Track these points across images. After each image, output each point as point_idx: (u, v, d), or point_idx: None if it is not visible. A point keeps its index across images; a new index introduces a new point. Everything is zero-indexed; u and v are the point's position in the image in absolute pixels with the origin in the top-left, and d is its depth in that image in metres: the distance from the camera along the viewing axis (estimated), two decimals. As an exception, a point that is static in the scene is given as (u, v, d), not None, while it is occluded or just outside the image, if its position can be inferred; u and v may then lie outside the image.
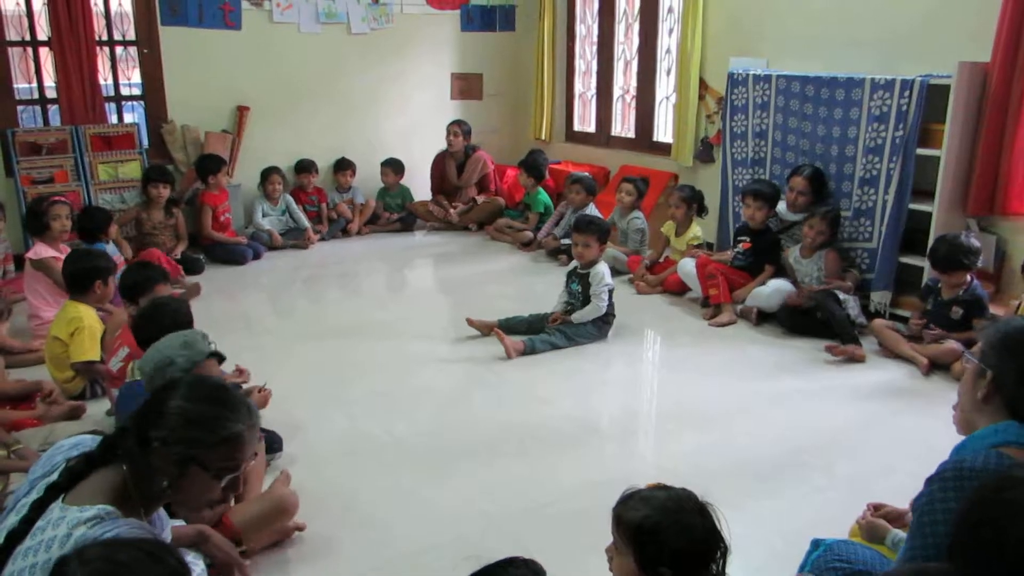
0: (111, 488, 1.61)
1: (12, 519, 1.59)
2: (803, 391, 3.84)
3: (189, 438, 1.65)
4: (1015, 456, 1.54)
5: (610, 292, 4.47)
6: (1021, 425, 1.60)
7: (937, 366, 3.96)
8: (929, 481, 1.58)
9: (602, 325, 4.47)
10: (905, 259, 4.53)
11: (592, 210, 6.06)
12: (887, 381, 3.93)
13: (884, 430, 3.41)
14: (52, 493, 1.58)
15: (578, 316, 4.42)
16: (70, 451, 1.70)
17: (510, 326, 4.45)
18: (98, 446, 1.66)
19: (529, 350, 4.25)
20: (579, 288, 4.47)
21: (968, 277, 3.99)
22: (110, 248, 5.01)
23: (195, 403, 1.69)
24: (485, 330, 4.47)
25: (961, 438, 1.76)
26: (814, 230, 4.59)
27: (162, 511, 1.81)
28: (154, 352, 2.49)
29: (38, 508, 1.56)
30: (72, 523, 1.52)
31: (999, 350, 1.68)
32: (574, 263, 4.57)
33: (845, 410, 3.63)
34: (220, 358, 2.54)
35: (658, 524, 1.63)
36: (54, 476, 1.62)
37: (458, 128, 7.07)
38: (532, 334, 4.39)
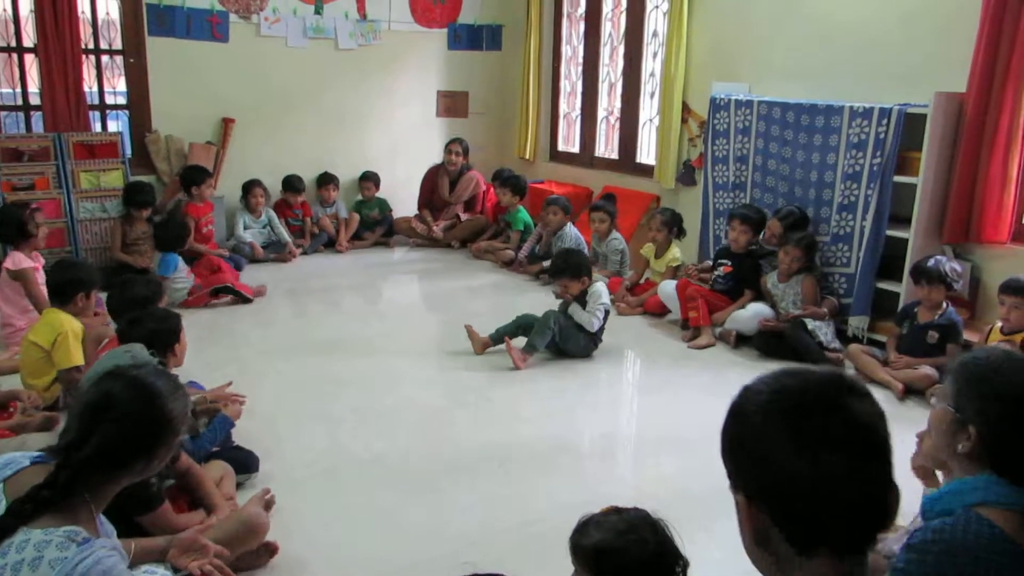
0: (67, 508, 1.61)
1: None
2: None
3: (172, 432, 1.74)
4: (995, 520, 1.45)
5: (606, 313, 4.49)
6: (1000, 481, 1.52)
7: (912, 391, 4.02)
8: (909, 548, 1.47)
9: (589, 343, 4.50)
10: (882, 284, 4.59)
11: (570, 230, 6.12)
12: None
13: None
14: (12, 522, 1.55)
15: (576, 311, 4.46)
16: (3, 471, 1.66)
17: (501, 335, 4.48)
18: (53, 488, 1.60)
19: (530, 350, 4.33)
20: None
21: (944, 303, 4.05)
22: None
23: (177, 400, 1.78)
24: (479, 348, 4.48)
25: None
26: (789, 256, 4.64)
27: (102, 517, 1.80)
28: (98, 364, 2.47)
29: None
30: (41, 546, 1.52)
31: (977, 399, 1.58)
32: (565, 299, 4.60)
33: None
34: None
35: (611, 545, 1.66)
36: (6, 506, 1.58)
37: (459, 147, 7.10)
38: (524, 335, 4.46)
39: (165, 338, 2.98)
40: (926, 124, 4.26)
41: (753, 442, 1.15)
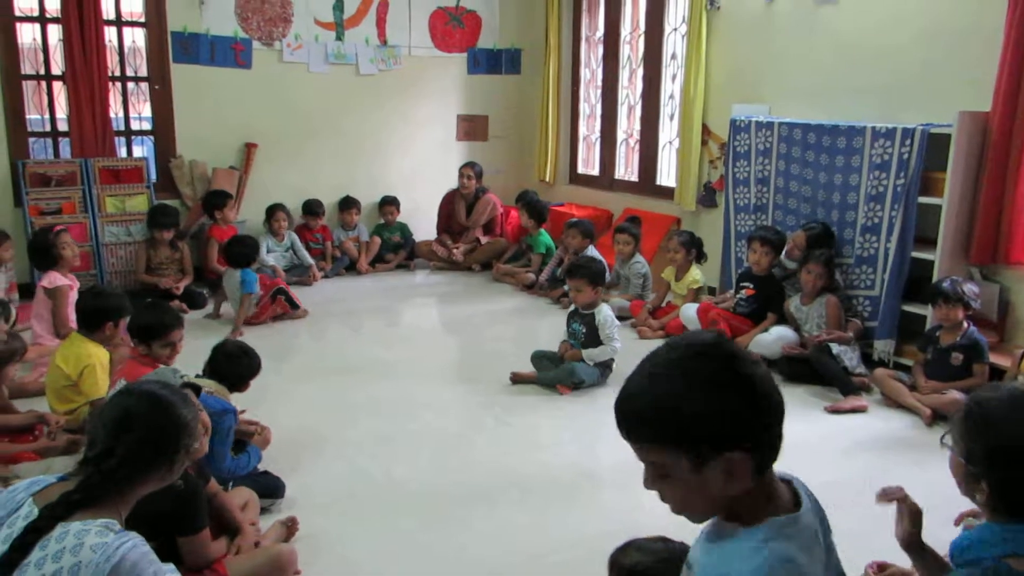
0: (104, 507, 1.71)
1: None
2: (804, 441, 3.80)
3: (159, 455, 1.82)
4: None
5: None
6: None
7: (940, 416, 3.94)
8: None
9: (604, 369, 4.47)
10: (908, 307, 4.53)
11: (592, 253, 6.09)
12: (889, 431, 3.91)
13: (887, 482, 3.36)
14: (47, 519, 1.65)
15: (590, 353, 4.38)
16: (31, 487, 1.76)
17: (542, 371, 4.45)
18: (84, 492, 1.72)
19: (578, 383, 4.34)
20: (582, 328, 4.46)
21: (964, 323, 3.99)
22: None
23: (188, 408, 1.91)
24: (524, 379, 4.46)
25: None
26: (812, 275, 4.58)
27: None
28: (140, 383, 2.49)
29: (33, 532, 1.63)
30: (80, 533, 1.62)
31: (982, 449, 1.56)
32: (574, 305, 4.58)
33: (846, 461, 3.60)
34: (195, 389, 2.52)
35: (648, 569, 1.64)
36: (24, 511, 1.68)
37: (471, 171, 7.13)
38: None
39: (250, 377, 3.31)
40: (950, 144, 4.22)
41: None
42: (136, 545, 1.65)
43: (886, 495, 2.10)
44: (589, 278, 4.43)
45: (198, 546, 2.32)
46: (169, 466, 1.85)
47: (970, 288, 3.98)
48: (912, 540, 2.00)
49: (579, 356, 4.37)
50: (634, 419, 1.30)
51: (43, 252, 4.55)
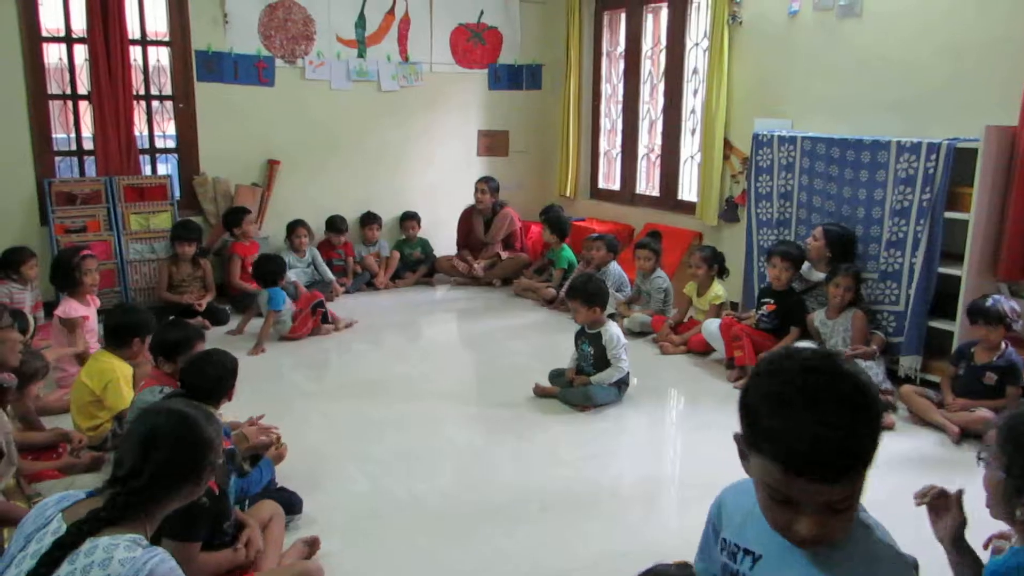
0: (126, 525, 1.75)
1: (14, 572, 1.67)
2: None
3: (187, 473, 1.88)
4: None
5: (624, 347, 4.42)
6: None
7: (968, 434, 3.87)
8: None
9: (621, 385, 4.43)
10: (935, 323, 4.46)
11: (614, 267, 6.09)
12: (916, 449, 3.85)
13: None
14: (74, 535, 1.68)
15: (598, 378, 4.34)
16: (60, 503, 1.80)
17: (562, 386, 4.44)
18: (112, 510, 1.76)
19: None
20: (590, 349, 4.41)
21: (1004, 344, 3.92)
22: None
23: (213, 426, 1.96)
24: (547, 393, 4.44)
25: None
26: (840, 288, 4.51)
27: None
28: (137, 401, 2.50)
29: (61, 548, 1.66)
30: (109, 548, 1.65)
31: (1011, 449, 1.56)
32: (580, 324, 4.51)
33: (875, 478, 3.53)
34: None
35: None
36: (53, 526, 1.71)
37: (485, 186, 7.14)
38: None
39: (229, 386, 3.03)
40: (977, 159, 4.16)
41: None
42: (164, 560, 1.69)
43: (923, 495, 2.07)
44: (583, 299, 4.36)
45: (182, 555, 2.29)
46: (196, 482, 1.91)
47: (1012, 307, 3.90)
48: (958, 533, 1.96)
49: (587, 382, 4.33)
50: (852, 459, 1.25)
51: (65, 273, 4.55)
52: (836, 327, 4.58)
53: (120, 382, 3.57)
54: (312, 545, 2.84)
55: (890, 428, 4.03)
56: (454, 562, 2.86)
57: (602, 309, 4.43)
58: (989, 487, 1.64)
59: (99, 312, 4.72)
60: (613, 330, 4.40)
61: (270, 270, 5.56)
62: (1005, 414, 1.65)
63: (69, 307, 4.46)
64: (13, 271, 5.12)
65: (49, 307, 5.56)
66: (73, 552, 1.64)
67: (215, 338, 5.34)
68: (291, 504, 3.07)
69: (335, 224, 6.96)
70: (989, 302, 3.89)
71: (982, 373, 3.94)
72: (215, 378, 2.95)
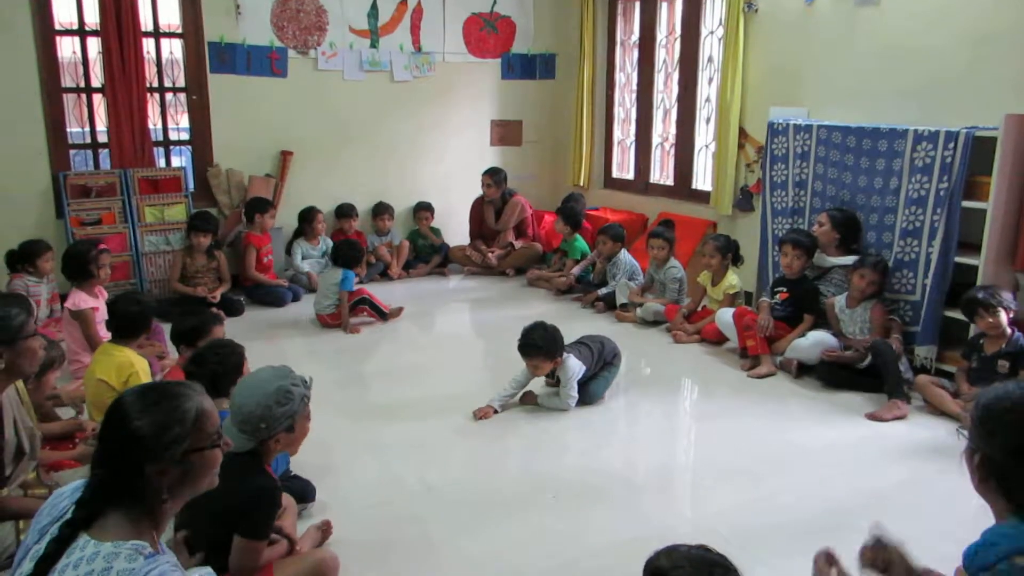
0: (131, 523, 1.64)
1: (27, 566, 1.62)
2: (845, 447, 3.74)
3: (170, 442, 1.66)
4: None
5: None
6: None
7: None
8: None
9: (609, 367, 4.33)
10: (951, 313, 4.42)
11: (624, 256, 6.08)
12: (931, 439, 3.82)
13: (930, 491, 3.30)
14: (70, 530, 1.61)
15: (542, 400, 4.20)
16: (74, 494, 1.72)
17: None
18: (96, 488, 1.66)
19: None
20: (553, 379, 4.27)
21: (1009, 329, 3.89)
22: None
23: (149, 414, 1.68)
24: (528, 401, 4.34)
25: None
26: (865, 280, 4.47)
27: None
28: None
29: (58, 544, 1.59)
30: (109, 557, 1.56)
31: (979, 427, 1.60)
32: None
33: (889, 468, 3.53)
34: None
35: (670, 572, 1.64)
36: (68, 518, 1.64)
37: (490, 179, 7.12)
38: None
39: (229, 375, 2.99)
40: (996, 147, 4.11)
41: None
42: (165, 572, 1.58)
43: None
44: (543, 356, 4.07)
45: (250, 552, 2.31)
46: (172, 462, 1.69)
47: (1006, 295, 3.93)
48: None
49: (534, 400, 4.21)
50: None
51: (79, 265, 4.51)
52: (855, 317, 4.55)
53: (140, 376, 3.57)
54: (324, 530, 2.86)
55: (902, 419, 4.01)
56: (466, 549, 2.87)
57: (562, 354, 4.13)
58: (966, 462, 1.67)
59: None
60: (570, 363, 4.13)
61: (352, 255, 5.73)
62: (982, 390, 1.68)
63: (79, 299, 4.47)
64: (29, 264, 5.15)
65: (65, 300, 5.61)
66: (71, 546, 1.58)
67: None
68: (304, 492, 3.09)
69: (344, 210, 6.99)
70: (980, 294, 3.93)
71: (994, 362, 3.92)
72: (218, 368, 2.93)
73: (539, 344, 4.07)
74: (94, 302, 4.48)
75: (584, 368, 4.17)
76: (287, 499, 2.89)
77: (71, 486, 1.78)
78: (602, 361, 4.31)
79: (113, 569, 1.55)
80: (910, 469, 3.52)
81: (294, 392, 2.43)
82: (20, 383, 2.74)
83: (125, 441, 1.67)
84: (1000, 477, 1.56)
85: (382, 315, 5.79)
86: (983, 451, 1.59)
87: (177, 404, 1.71)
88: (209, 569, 1.93)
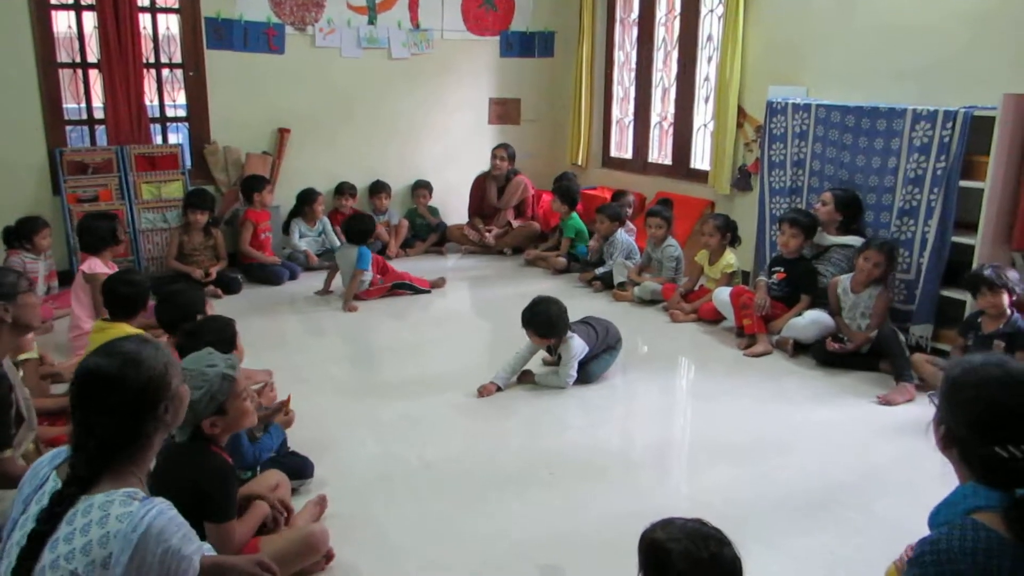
0: (114, 474, 1.71)
1: (18, 535, 1.67)
2: (840, 425, 3.77)
3: (168, 383, 1.78)
4: (990, 523, 1.50)
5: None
6: (988, 488, 1.56)
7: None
8: (911, 563, 1.54)
9: (610, 350, 4.35)
10: (947, 292, 4.44)
11: (621, 236, 6.08)
12: (926, 416, 3.79)
13: (924, 467, 3.33)
14: (72, 489, 1.66)
15: (540, 377, 4.22)
16: (53, 461, 1.77)
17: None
18: (75, 483, 1.69)
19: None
20: (555, 355, 4.29)
21: (1008, 310, 3.90)
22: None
23: (135, 367, 1.75)
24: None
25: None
26: (870, 262, 4.39)
27: None
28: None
29: (59, 503, 1.65)
30: (105, 505, 1.63)
31: (945, 400, 1.67)
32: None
33: (883, 445, 3.56)
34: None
35: (662, 544, 1.66)
36: (49, 485, 1.70)
37: (504, 152, 7.11)
38: None
39: (222, 348, 2.99)
40: (994, 127, 4.11)
41: None
42: (162, 511, 1.65)
43: None
44: (536, 329, 4.13)
45: (224, 533, 2.31)
46: (159, 421, 1.78)
47: (1013, 275, 3.89)
48: None
49: (531, 379, 4.22)
50: None
51: (102, 234, 4.62)
52: (858, 301, 4.49)
53: None
54: (321, 505, 2.88)
55: (911, 400, 4.03)
56: (466, 524, 2.89)
57: (564, 333, 4.15)
58: (933, 428, 1.75)
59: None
60: (573, 343, 4.13)
61: (362, 229, 5.73)
62: (951, 362, 1.74)
63: (94, 264, 4.52)
64: (27, 241, 5.15)
65: (63, 276, 5.62)
66: (71, 511, 1.64)
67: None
68: (302, 468, 3.11)
69: (342, 189, 6.98)
70: (987, 271, 3.89)
71: (991, 342, 3.93)
72: (212, 343, 2.85)
73: (546, 318, 4.09)
74: (107, 271, 4.52)
75: (587, 348, 4.18)
76: (279, 475, 2.90)
77: (48, 455, 1.82)
78: (604, 344, 4.32)
79: (110, 515, 1.61)
80: (904, 446, 3.55)
81: (209, 373, 2.36)
82: (9, 361, 2.76)
83: (125, 398, 1.71)
84: (961, 448, 1.64)
85: (425, 292, 5.95)
86: (948, 423, 1.66)
87: (148, 350, 1.79)
88: (208, 544, 1.95)
